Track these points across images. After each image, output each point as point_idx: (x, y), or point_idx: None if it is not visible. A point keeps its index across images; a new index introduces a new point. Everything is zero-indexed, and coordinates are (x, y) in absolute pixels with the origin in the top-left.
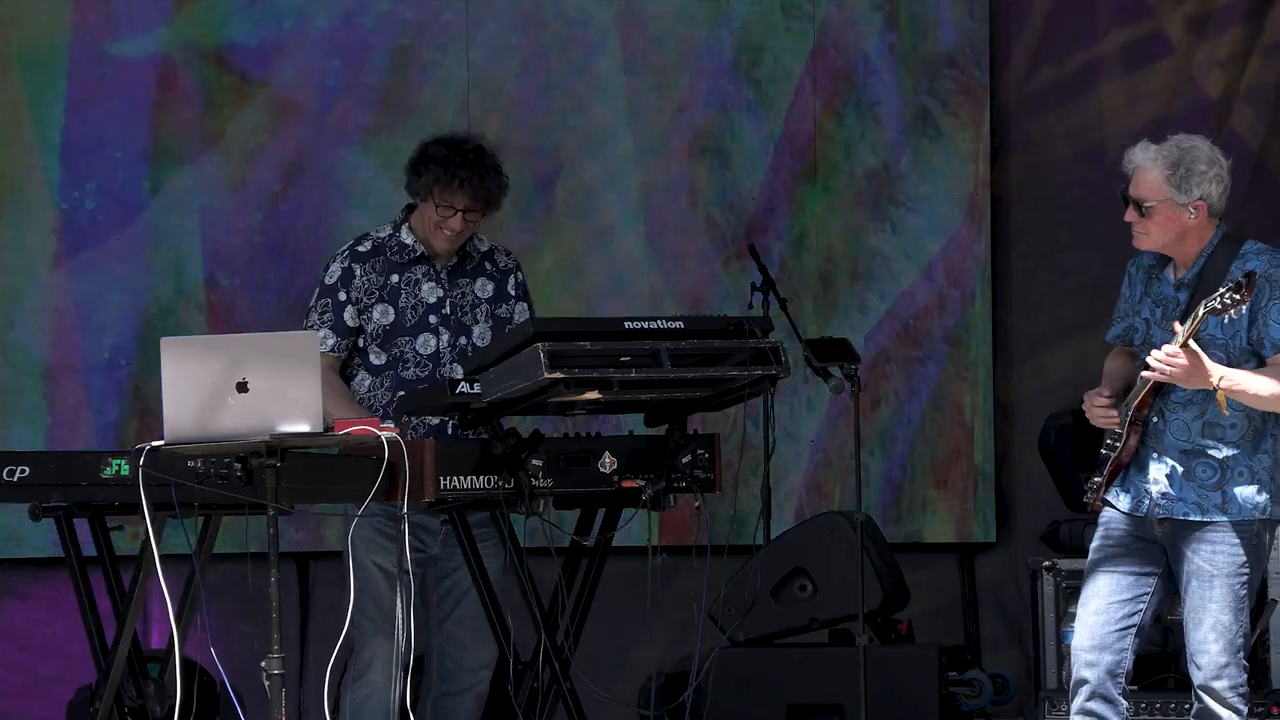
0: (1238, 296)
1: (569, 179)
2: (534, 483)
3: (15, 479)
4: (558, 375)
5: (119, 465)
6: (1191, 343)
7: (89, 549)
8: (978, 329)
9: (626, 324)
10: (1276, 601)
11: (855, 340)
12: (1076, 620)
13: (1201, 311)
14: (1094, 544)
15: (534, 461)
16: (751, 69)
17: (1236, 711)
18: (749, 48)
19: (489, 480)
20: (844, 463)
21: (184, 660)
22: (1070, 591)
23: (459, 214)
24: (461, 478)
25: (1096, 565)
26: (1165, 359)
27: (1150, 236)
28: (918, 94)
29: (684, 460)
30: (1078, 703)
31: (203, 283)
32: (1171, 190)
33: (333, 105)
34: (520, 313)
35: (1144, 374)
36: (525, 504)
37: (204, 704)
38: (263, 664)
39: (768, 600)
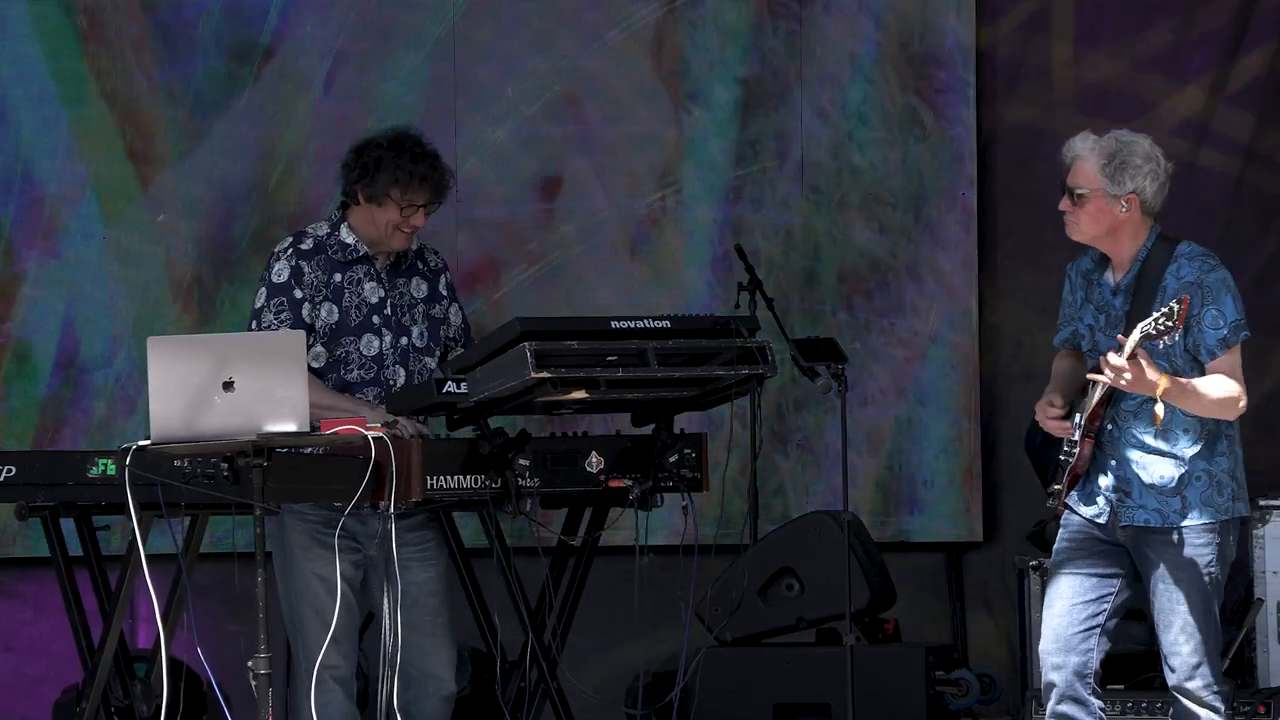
0: (1170, 324)
1: (557, 178)
2: (521, 482)
3: (1, 478)
4: (544, 375)
5: (105, 465)
6: (1139, 351)
7: (75, 548)
8: (964, 328)
9: (613, 323)
10: (1263, 601)
11: (842, 340)
12: (1042, 624)
13: (1138, 336)
14: (1056, 545)
15: (521, 461)
16: (738, 68)
17: (1214, 710)
18: (736, 47)
19: (476, 480)
20: (831, 462)
21: (170, 660)
22: None
23: (420, 209)
24: (448, 477)
25: (1059, 567)
26: (1113, 368)
27: (1081, 227)
28: (904, 93)
29: (671, 459)
30: (1049, 707)
31: (191, 281)
32: (1105, 181)
33: (323, 103)
34: (454, 314)
35: (1090, 375)
36: (512, 503)
37: (190, 704)
38: (249, 663)
39: (755, 600)
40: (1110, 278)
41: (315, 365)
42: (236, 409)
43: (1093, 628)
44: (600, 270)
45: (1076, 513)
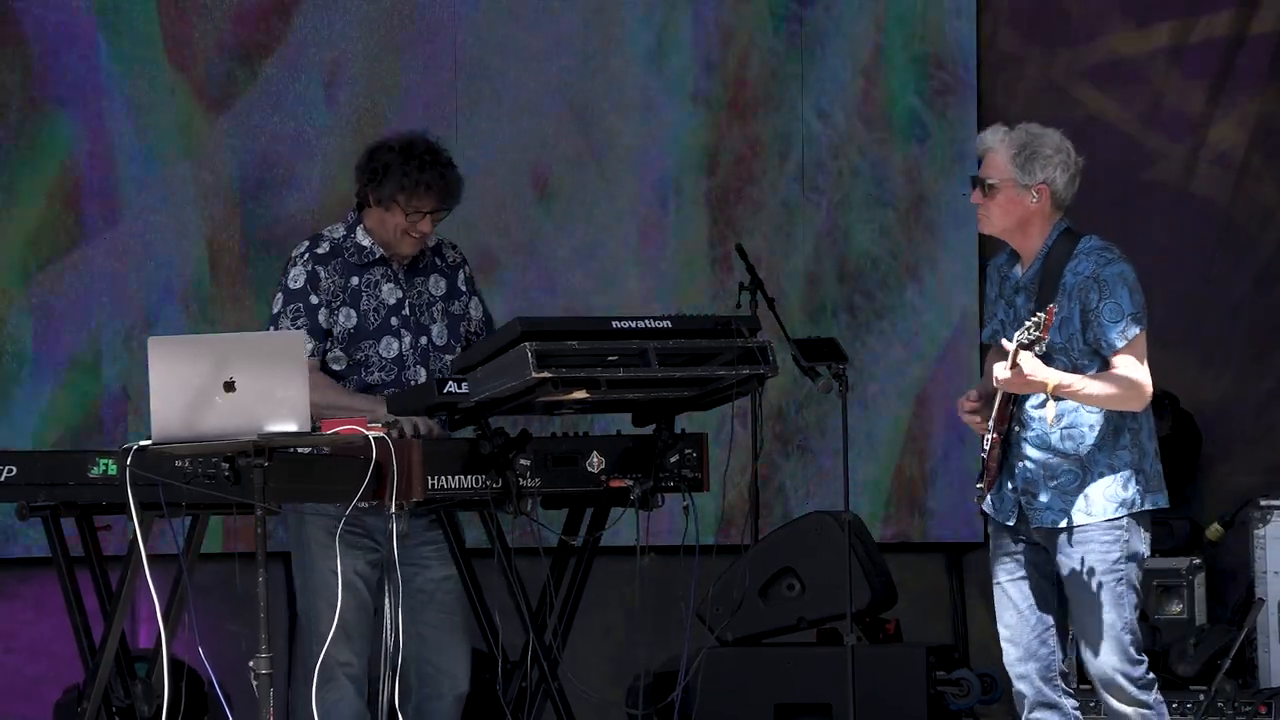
0: (1037, 333)
1: (557, 178)
2: (522, 482)
3: (2, 478)
4: (545, 375)
5: (106, 465)
6: (1023, 356)
7: (76, 549)
8: (964, 329)
9: (614, 323)
10: (1263, 601)
11: (842, 340)
12: (1000, 637)
13: (1014, 345)
14: (991, 556)
15: (522, 461)
16: (739, 69)
17: (1143, 705)
18: (736, 48)
19: (477, 480)
20: (832, 462)
21: (171, 660)
22: None
23: (427, 216)
24: (449, 477)
25: (999, 578)
26: (999, 378)
27: (991, 219)
28: (905, 94)
29: (672, 459)
30: (1023, 716)
31: (192, 281)
32: (1016, 171)
33: (324, 104)
34: (474, 308)
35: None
36: (513, 503)
37: (192, 704)
38: (251, 663)
39: (756, 600)
40: (1017, 273)
41: (336, 368)
42: (237, 409)
43: (1049, 627)
44: (601, 270)
45: (990, 516)
